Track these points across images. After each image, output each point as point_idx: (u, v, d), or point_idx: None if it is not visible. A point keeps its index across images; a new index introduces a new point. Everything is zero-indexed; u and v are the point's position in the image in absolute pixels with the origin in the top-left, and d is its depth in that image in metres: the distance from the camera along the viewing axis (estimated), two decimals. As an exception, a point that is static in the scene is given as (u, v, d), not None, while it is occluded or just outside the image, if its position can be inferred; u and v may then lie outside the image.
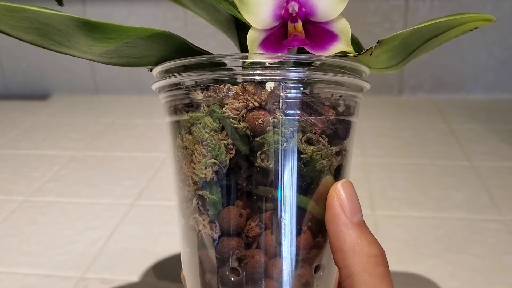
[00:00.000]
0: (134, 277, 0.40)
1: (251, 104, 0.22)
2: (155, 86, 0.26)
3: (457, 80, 0.82)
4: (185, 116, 0.24)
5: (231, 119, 0.22)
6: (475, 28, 0.21)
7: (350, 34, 0.22)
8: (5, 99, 0.90)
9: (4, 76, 0.92)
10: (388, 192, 0.52)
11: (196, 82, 0.23)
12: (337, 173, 0.24)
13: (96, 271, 0.40)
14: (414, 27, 0.21)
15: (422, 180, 0.54)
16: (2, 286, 0.39)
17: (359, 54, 0.22)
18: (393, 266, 0.40)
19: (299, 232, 0.23)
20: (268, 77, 0.22)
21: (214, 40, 0.83)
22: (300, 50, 0.24)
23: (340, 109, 0.24)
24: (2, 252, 0.43)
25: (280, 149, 0.22)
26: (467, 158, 0.59)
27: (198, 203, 0.24)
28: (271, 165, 0.22)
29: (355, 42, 0.27)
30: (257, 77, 0.22)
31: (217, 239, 0.23)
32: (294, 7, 0.22)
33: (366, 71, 0.25)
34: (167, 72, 0.24)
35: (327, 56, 0.22)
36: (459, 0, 0.77)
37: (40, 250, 0.44)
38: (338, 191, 0.23)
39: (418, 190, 0.52)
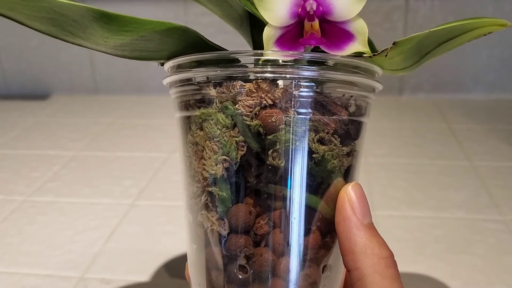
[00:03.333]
0: (134, 277, 0.40)
1: (264, 102, 0.22)
2: (166, 80, 0.25)
3: (457, 80, 0.82)
4: (197, 112, 0.24)
5: (244, 116, 0.22)
6: (489, 33, 0.21)
7: (367, 35, 0.22)
8: (5, 99, 0.90)
9: (4, 76, 0.92)
10: (388, 192, 0.51)
11: (208, 78, 0.23)
12: (347, 174, 0.24)
13: (96, 271, 0.40)
14: (431, 30, 0.21)
15: (422, 180, 0.54)
16: (2, 286, 0.39)
17: (374, 55, 0.22)
18: (393, 266, 0.40)
19: (308, 231, 0.23)
20: (282, 75, 0.22)
21: (215, 40, 0.83)
22: (315, 49, 0.24)
23: (352, 109, 0.24)
24: (2, 252, 0.43)
25: (292, 148, 0.22)
26: (467, 158, 0.59)
27: (207, 200, 0.24)
28: (283, 164, 0.22)
29: (369, 42, 0.27)
30: (271, 75, 0.22)
31: (226, 236, 0.23)
32: (312, 5, 0.22)
33: (379, 72, 0.25)
34: (179, 67, 0.24)
35: (341, 56, 0.22)
36: (459, 0, 0.77)
37: (40, 250, 0.44)
38: (349, 193, 0.23)
39: (418, 190, 0.52)
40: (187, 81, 0.24)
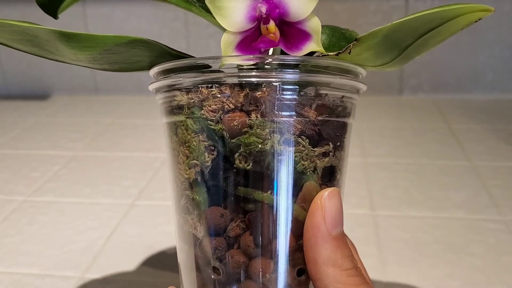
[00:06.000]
0: (134, 277, 0.40)
1: (227, 106, 0.22)
2: (151, 87, 0.26)
3: (457, 80, 0.82)
4: (173, 118, 0.24)
5: (208, 121, 0.23)
6: (479, 19, 0.21)
7: (320, 33, 0.22)
8: (5, 99, 0.90)
9: (4, 76, 0.92)
10: (388, 192, 0.51)
11: (182, 84, 0.24)
12: (329, 175, 0.24)
13: (96, 271, 0.40)
14: (393, 22, 0.20)
15: (422, 180, 0.54)
16: (2, 286, 0.39)
17: (339, 53, 0.22)
18: (393, 266, 0.40)
19: (280, 234, 0.23)
20: (263, 79, 0.22)
21: (214, 40, 0.83)
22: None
23: (335, 110, 0.24)
24: (2, 252, 0.43)
25: (256, 150, 0.22)
26: (467, 158, 0.59)
27: (186, 203, 0.24)
28: (249, 167, 0.22)
29: (348, 39, 0.26)
30: (254, 79, 0.22)
31: (201, 238, 0.24)
32: (261, 8, 0.22)
33: (362, 73, 0.24)
34: (160, 74, 0.25)
35: (302, 56, 0.22)
36: (458, 0, 0.77)
37: (40, 250, 0.44)
38: (324, 201, 0.22)
39: (418, 190, 0.52)
40: (167, 88, 0.25)
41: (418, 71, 0.82)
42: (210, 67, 0.23)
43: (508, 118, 0.72)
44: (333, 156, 0.24)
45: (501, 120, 0.71)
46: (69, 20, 0.84)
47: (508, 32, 0.78)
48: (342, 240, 0.22)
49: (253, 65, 0.22)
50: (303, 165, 0.23)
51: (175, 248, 0.43)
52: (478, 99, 0.80)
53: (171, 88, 0.24)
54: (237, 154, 0.22)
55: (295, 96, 0.23)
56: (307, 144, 0.23)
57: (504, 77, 0.80)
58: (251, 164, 0.22)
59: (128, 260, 0.42)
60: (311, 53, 0.23)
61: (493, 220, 0.46)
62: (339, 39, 0.26)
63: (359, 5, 0.78)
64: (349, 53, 0.22)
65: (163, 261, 0.42)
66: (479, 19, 0.20)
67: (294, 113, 0.23)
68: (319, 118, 0.23)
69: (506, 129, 0.68)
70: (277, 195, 0.23)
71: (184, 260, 0.25)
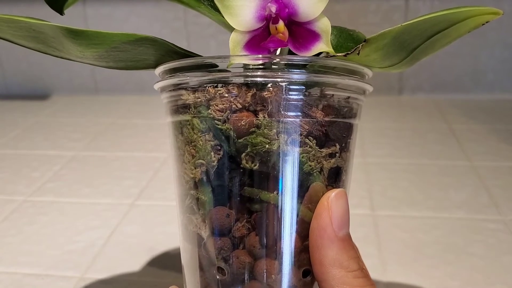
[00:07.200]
0: (134, 277, 0.40)
1: (234, 106, 0.22)
2: (156, 86, 0.26)
3: (457, 80, 0.82)
4: (179, 117, 0.24)
5: (215, 121, 0.22)
6: (486, 22, 0.21)
7: (330, 33, 0.22)
8: (5, 99, 0.90)
9: (4, 76, 0.92)
10: (388, 192, 0.51)
11: (188, 83, 0.24)
12: (335, 175, 0.24)
13: (96, 271, 0.40)
14: (403, 24, 0.20)
15: (422, 180, 0.54)
16: (2, 286, 0.39)
17: (348, 54, 0.22)
18: (393, 267, 0.40)
19: (286, 235, 0.23)
20: (270, 79, 0.22)
21: (215, 40, 0.83)
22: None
23: (341, 110, 0.24)
24: (2, 252, 0.43)
25: (263, 150, 0.22)
26: (467, 158, 0.59)
27: (191, 202, 0.24)
28: (255, 167, 0.22)
29: (355, 40, 0.26)
30: (260, 79, 0.22)
31: (206, 238, 0.23)
32: (270, 8, 0.22)
33: (368, 74, 0.24)
34: (166, 73, 0.25)
35: (313, 56, 0.22)
36: (459, 0, 0.77)
37: (40, 250, 0.44)
38: (331, 202, 0.22)
39: (418, 190, 0.52)
40: (173, 87, 0.24)
41: (418, 71, 0.82)
42: (217, 66, 0.23)
43: (508, 118, 0.72)
44: (339, 157, 0.24)
45: (501, 120, 0.71)
46: (69, 20, 0.83)
47: (508, 32, 0.78)
48: (348, 241, 0.22)
49: (260, 64, 0.22)
50: (310, 166, 0.23)
51: (176, 248, 0.43)
52: (478, 99, 0.80)
53: (177, 87, 0.24)
54: (243, 154, 0.22)
55: (301, 97, 0.23)
56: (314, 144, 0.23)
57: (504, 77, 0.80)
58: (257, 164, 0.22)
59: (128, 260, 0.42)
60: (317, 54, 0.23)
61: (493, 220, 0.46)
62: (346, 40, 0.26)
63: (359, 5, 0.78)
64: (358, 54, 0.22)
65: (163, 261, 0.42)
66: (487, 22, 0.20)
67: (301, 113, 0.23)
68: (326, 118, 0.23)
69: (506, 129, 0.68)
70: (283, 195, 0.23)
71: (188, 260, 0.25)
